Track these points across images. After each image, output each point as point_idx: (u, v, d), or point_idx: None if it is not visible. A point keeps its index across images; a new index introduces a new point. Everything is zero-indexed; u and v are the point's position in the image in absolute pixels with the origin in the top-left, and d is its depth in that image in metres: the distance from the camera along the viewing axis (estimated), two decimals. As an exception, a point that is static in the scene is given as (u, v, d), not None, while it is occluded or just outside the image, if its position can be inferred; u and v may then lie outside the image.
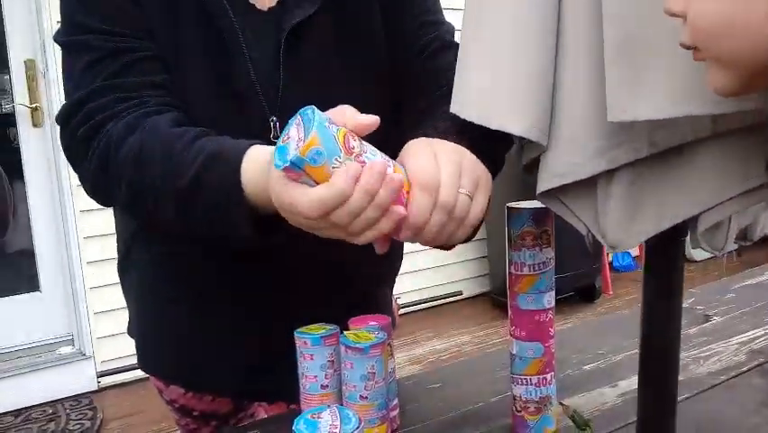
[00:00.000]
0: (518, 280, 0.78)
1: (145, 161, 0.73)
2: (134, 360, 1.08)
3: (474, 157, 0.69)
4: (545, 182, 0.62)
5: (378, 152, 0.63)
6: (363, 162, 0.60)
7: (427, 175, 0.63)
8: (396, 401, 0.85)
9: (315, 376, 0.79)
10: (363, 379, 0.75)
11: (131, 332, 1.11)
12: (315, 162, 0.58)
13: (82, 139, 0.78)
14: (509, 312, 0.80)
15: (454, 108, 0.67)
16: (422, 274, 3.79)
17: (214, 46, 0.83)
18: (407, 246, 3.54)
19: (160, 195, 0.72)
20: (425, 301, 3.91)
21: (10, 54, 2.82)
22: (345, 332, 0.78)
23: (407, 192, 0.62)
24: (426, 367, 3.10)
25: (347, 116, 0.63)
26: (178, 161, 0.71)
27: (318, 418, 0.61)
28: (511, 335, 0.80)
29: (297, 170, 0.58)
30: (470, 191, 0.65)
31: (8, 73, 2.84)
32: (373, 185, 0.59)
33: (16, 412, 2.71)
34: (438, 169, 0.64)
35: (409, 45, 0.92)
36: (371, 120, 0.63)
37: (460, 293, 4.06)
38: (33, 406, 2.75)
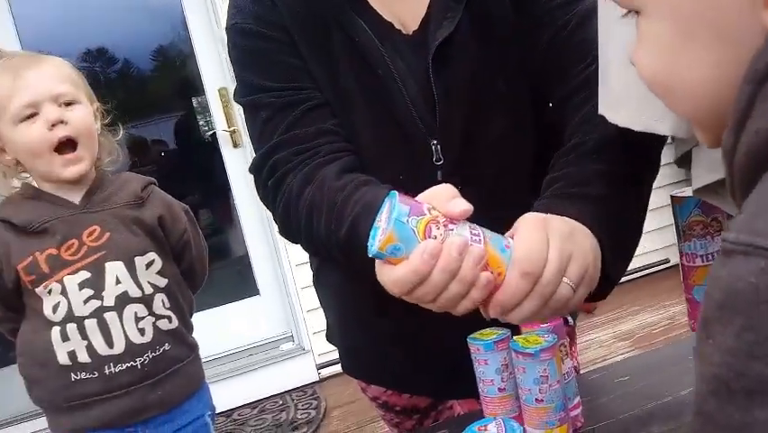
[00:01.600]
0: (692, 272, 0.74)
1: (314, 214, 0.81)
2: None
3: (590, 245, 0.66)
4: (699, 179, 0.59)
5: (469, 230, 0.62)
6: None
7: (530, 261, 0.61)
8: (577, 400, 0.84)
9: (492, 380, 0.82)
10: (537, 382, 0.76)
11: (330, 338, 1.21)
12: (395, 255, 0.59)
13: (271, 189, 0.89)
14: (687, 305, 0.76)
15: (602, 110, 0.65)
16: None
17: (370, 82, 0.89)
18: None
19: (328, 245, 0.81)
20: (629, 273, 3.73)
21: (205, 83, 3.14)
22: (515, 337, 0.80)
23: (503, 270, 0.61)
24: (637, 343, 2.96)
25: (440, 201, 0.63)
26: (338, 214, 0.78)
27: (485, 430, 0.64)
28: (692, 329, 0.76)
29: (380, 258, 0.60)
30: (575, 283, 0.62)
31: (207, 102, 3.17)
32: (450, 263, 0.59)
33: (252, 405, 3.02)
34: (545, 254, 0.61)
35: (545, 30, 0.89)
36: (462, 210, 0.62)
37: (667, 261, 3.81)
38: (266, 398, 3.05)
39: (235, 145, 3.13)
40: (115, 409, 1.20)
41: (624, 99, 0.61)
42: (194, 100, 3.24)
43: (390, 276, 0.61)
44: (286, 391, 3.09)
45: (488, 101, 0.90)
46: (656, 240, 3.68)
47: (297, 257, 3.09)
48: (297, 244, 0.92)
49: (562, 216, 0.68)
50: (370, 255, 0.61)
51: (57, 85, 1.15)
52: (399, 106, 0.88)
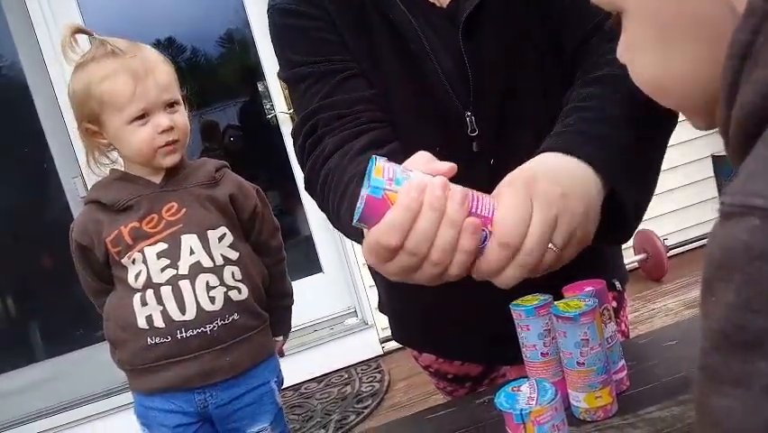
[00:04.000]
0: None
1: (328, 184, 0.85)
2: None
3: (580, 201, 0.64)
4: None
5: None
6: None
7: (510, 234, 0.60)
8: (621, 363, 0.85)
9: (534, 345, 0.83)
10: (578, 346, 0.77)
11: (382, 309, 1.25)
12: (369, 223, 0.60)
13: (308, 147, 0.92)
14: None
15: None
16: (691, 210, 3.51)
17: (405, 56, 0.90)
18: (671, 183, 3.36)
19: (334, 216, 0.85)
20: (699, 239, 3.61)
21: (265, 68, 3.21)
22: (556, 302, 0.81)
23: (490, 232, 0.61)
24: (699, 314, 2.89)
25: (420, 164, 0.63)
26: (342, 192, 0.81)
27: (518, 391, 0.66)
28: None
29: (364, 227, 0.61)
30: (560, 246, 0.62)
31: (267, 84, 3.25)
32: (435, 200, 0.58)
33: (319, 379, 3.11)
34: (526, 223, 0.60)
35: None
36: (448, 167, 0.62)
37: (737, 226, 3.68)
38: (331, 372, 3.13)
39: (296, 127, 3.20)
40: (186, 371, 1.29)
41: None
42: (259, 85, 3.32)
43: (377, 229, 0.60)
44: (350, 365, 3.17)
45: (521, 71, 0.90)
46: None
47: (358, 234, 3.15)
48: (315, 201, 0.95)
49: (576, 157, 0.68)
50: (353, 224, 0.62)
51: (168, 91, 1.25)
52: (433, 80, 0.89)
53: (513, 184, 0.65)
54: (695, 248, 3.52)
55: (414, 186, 0.58)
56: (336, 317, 3.30)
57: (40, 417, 3.07)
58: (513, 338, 0.93)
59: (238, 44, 3.52)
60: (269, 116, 3.30)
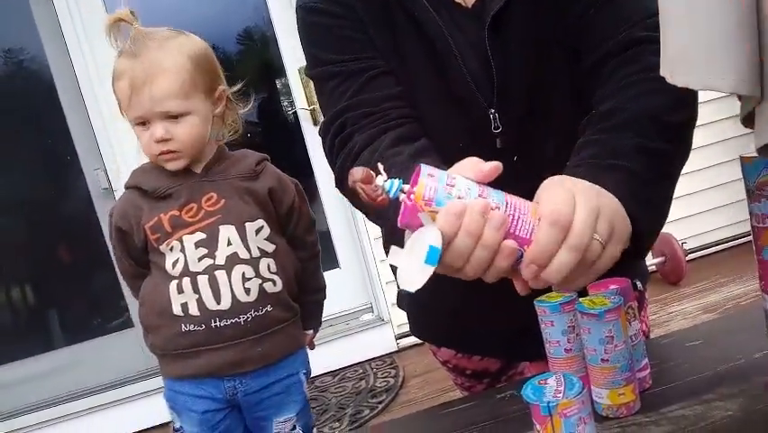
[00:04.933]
0: (762, 234, 0.73)
1: None
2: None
3: (616, 204, 0.66)
4: (762, 135, 0.59)
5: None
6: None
7: (558, 211, 0.61)
8: (645, 362, 0.85)
9: (558, 341, 0.84)
10: (602, 343, 0.77)
11: (400, 304, 1.26)
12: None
13: (337, 145, 0.94)
14: (756, 267, 0.75)
15: (662, 71, 0.66)
16: (710, 214, 3.49)
17: (430, 55, 0.91)
18: (691, 186, 3.34)
19: (369, 211, 0.88)
20: (718, 243, 3.59)
21: (286, 64, 3.23)
22: (581, 299, 0.81)
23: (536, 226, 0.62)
24: (723, 315, 2.87)
25: (467, 169, 0.65)
26: None
27: (545, 384, 0.66)
28: (762, 290, 0.76)
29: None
30: (604, 239, 0.62)
31: (288, 83, 3.26)
32: (471, 224, 0.60)
33: (333, 373, 3.13)
34: (573, 207, 0.61)
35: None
36: (493, 166, 0.64)
37: (757, 231, 3.65)
38: (346, 367, 3.15)
39: (316, 123, 3.21)
40: (218, 359, 1.31)
41: (683, 58, 0.61)
42: (277, 82, 3.33)
43: None
44: (365, 361, 3.18)
45: (545, 70, 0.91)
46: (744, 212, 3.52)
47: (375, 231, 3.15)
48: (346, 197, 0.97)
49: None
50: (399, 227, 0.64)
51: (166, 102, 1.25)
52: (458, 77, 0.90)
53: (552, 180, 0.66)
54: (714, 252, 3.51)
55: (452, 211, 0.60)
56: (353, 313, 3.32)
57: (57, 403, 3.11)
58: (535, 334, 0.93)
59: (257, 42, 3.54)
60: (290, 112, 3.32)
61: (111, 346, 3.25)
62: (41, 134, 3.24)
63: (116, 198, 2.97)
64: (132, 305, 3.20)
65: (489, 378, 1.23)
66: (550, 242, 0.61)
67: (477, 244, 0.61)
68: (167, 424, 3.02)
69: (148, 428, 3.05)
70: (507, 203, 0.63)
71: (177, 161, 1.30)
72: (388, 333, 3.22)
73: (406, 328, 3.19)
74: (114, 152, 3.03)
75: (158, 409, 3.00)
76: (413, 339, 3.17)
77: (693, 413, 0.77)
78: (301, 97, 3.22)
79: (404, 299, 1.25)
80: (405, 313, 1.26)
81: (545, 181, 0.68)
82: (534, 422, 0.66)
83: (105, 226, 3.16)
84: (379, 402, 2.74)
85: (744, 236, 3.52)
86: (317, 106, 3.17)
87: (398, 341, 3.21)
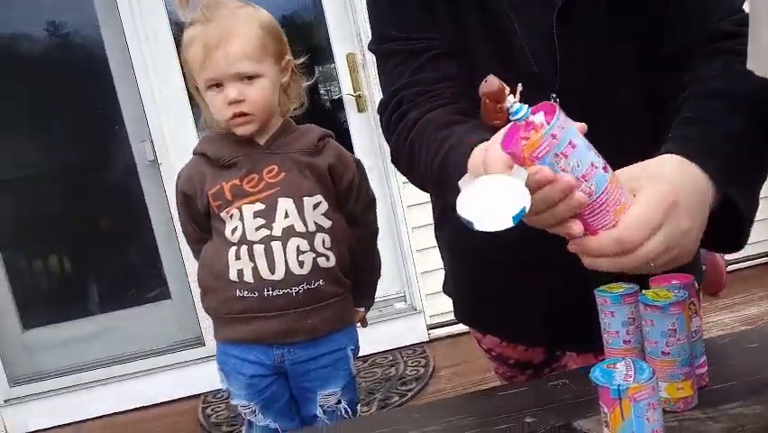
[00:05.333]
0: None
1: (416, 146, 0.89)
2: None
3: (698, 218, 0.68)
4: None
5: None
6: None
7: (631, 236, 0.63)
8: (703, 359, 0.85)
9: (617, 332, 0.83)
10: (664, 336, 0.77)
11: (447, 290, 1.26)
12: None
13: (394, 121, 0.96)
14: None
15: (750, 65, 0.65)
16: (754, 226, 3.41)
17: (493, 33, 0.92)
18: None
19: (425, 176, 0.88)
20: (760, 256, 3.52)
21: (334, 49, 3.24)
22: (644, 291, 0.81)
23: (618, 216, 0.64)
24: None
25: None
26: (436, 148, 0.84)
27: (614, 368, 0.66)
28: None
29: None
30: (660, 267, 0.66)
31: (334, 65, 3.27)
32: (550, 195, 0.62)
33: (364, 358, 3.14)
34: (649, 233, 0.63)
35: None
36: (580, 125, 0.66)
37: (800, 245, 3.57)
38: (377, 353, 3.16)
39: (360, 110, 3.22)
40: (268, 327, 1.35)
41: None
42: (316, 69, 3.34)
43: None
44: (396, 348, 3.19)
45: (611, 62, 0.90)
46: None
47: (413, 221, 3.16)
48: (402, 172, 1.00)
49: (701, 169, 0.70)
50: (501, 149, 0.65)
51: (240, 63, 1.27)
52: (520, 59, 0.91)
53: (660, 191, 0.66)
54: (755, 265, 3.44)
55: (538, 178, 0.61)
56: (386, 300, 3.33)
57: (91, 367, 3.18)
58: (584, 325, 0.93)
59: (296, 28, 3.55)
60: (333, 98, 3.33)
61: (146, 317, 3.30)
62: (91, 105, 3.29)
63: (161, 171, 3.05)
64: (171, 277, 3.26)
65: (533, 369, 1.22)
66: (605, 251, 0.64)
67: (548, 209, 0.63)
68: (197, 396, 3.07)
69: (178, 399, 3.11)
70: (604, 191, 0.64)
71: (248, 125, 1.32)
72: (420, 323, 3.23)
73: (439, 319, 3.23)
74: (162, 125, 3.06)
75: (188, 382, 3.07)
76: (445, 330, 3.19)
77: (752, 412, 0.76)
78: (347, 83, 3.22)
79: (450, 285, 1.25)
80: (437, 304, 1.27)
81: (659, 166, 0.70)
82: (601, 405, 0.66)
83: (148, 198, 3.21)
84: (409, 390, 2.75)
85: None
86: (363, 93, 3.18)
87: (430, 332, 3.21)
